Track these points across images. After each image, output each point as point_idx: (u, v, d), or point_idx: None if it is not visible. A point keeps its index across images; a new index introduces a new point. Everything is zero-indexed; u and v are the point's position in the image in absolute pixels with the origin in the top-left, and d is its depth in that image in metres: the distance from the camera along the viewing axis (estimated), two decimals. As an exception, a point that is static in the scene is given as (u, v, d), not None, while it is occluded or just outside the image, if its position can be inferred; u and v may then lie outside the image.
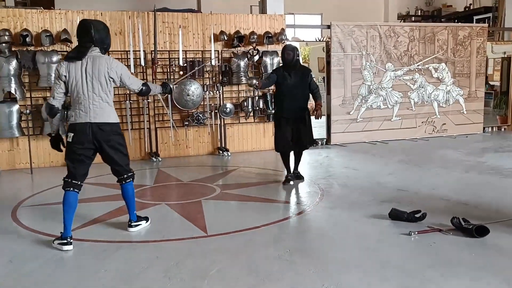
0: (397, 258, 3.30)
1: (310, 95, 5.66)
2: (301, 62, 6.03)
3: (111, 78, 3.71)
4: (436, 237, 3.67)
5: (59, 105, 3.74)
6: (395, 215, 4.13)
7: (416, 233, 3.72)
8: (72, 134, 3.68)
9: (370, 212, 4.42)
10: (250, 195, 5.20)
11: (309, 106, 5.80)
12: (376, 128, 9.07)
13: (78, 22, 3.86)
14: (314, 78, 5.72)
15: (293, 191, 5.45)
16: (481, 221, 3.84)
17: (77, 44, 3.80)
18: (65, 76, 3.66)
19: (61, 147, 3.90)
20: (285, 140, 5.58)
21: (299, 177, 5.82)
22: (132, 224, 4.06)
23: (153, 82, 7.48)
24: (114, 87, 3.86)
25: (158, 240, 3.79)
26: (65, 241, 3.62)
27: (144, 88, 3.96)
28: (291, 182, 5.67)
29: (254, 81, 5.47)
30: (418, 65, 9.32)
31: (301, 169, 5.96)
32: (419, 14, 14.28)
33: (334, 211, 4.53)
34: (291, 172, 5.79)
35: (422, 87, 9.36)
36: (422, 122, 9.43)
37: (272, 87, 6.22)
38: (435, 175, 6.09)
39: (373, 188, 5.40)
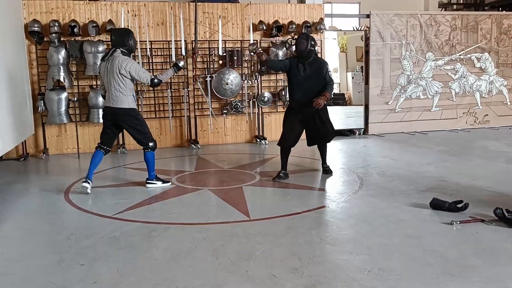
0: (439, 246, 3.32)
1: None
2: (316, 53, 5.42)
3: (122, 74, 4.71)
4: (479, 227, 3.66)
5: (103, 93, 5.04)
6: (436, 205, 4.12)
7: (458, 222, 3.72)
8: (103, 113, 5.15)
9: (410, 201, 4.43)
10: (289, 182, 5.29)
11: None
12: (415, 118, 8.98)
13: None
14: (330, 72, 5.47)
15: (332, 179, 5.50)
16: (526, 212, 3.80)
17: None
18: (99, 73, 5.01)
19: None
20: (291, 135, 5.33)
21: (327, 172, 5.57)
22: (148, 181, 5.11)
23: (193, 71, 7.68)
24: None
25: (203, 223, 3.95)
26: (86, 180, 4.88)
27: (155, 80, 4.91)
28: (282, 180, 5.30)
29: (260, 49, 5.29)
30: (460, 55, 9.12)
31: (338, 158, 5.97)
32: (461, 2, 13.83)
33: (374, 199, 4.57)
34: (286, 169, 5.42)
35: (464, 77, 9.17)
36: (463, 113, 9.26)
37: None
38: (476, 166, 6.01)
39: (412, 177, 5.38)
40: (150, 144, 5.01)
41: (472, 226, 3.68)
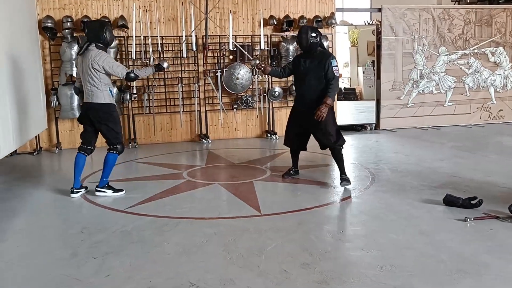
0: (452, 243, 3.28)
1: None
2: (323, 46, 4.96)
3: (94, 68, 4.45)
4: (493, 224, 3.61)
5: (79, 86, 4.79)
6: (450, 201, 4.08)
7: (472, 219, 3.67)
8: (81, 110, 4.91)
9: (423, 197, 4.39)
10: (300, 177, 5.27)
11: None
12: (427, 113, 8.89)
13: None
14: (335, 67, 4.72)
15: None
16: (541, 209, 3.74)
17: None
18: (76, 67, 4.81)
19: None
20: (291, 135, 5.06)
21: (343, 180, 4.82)
22: (97, 188, 4.68)
23: (203, 66, 7.68)
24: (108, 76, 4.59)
25: (214, 218, 3.96)
26: (72, 189, 4.67)
27: (132, 75, 4.60)
28: (290, 176, 5.17)
29: (257, 61, 4.99)
30: (473, 49, 8.99)
31: (350, 153, 5.78)
32: (475, -5, 13.61)
33: (386, 195, 4.53)
34: (297, 167, 5.25)
35: (478, 71, 9.05)
36: (477, 108, 9.15)
37: None
38: (490, 162, 5.93)
39: (424, 173, 5.33)
40: (119, 146, 4.65)
41: (486, 223, 3.63)
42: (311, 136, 5.03)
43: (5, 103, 4.65)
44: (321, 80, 4.73)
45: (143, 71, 4.91)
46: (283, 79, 8.14)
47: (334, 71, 4.70)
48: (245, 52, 6.48)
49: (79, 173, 4.69)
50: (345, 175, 4.86)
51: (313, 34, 4.72)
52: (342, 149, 4.95)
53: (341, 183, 4.81)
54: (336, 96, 4.78)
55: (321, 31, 8.01)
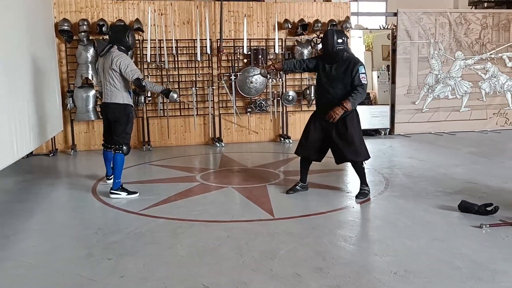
0: (468, 249, 3.24)
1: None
2: (350, 51, 4.57)
3: (113, 68, 4.59)
4: (509, 231, 3.56)
5: (100, 90, 5.10)
6: (465, 207, 4.03)
7: (488, 226, 3.62)
8: (100, 111, 5.32)
9: (438, 203, 4.35)
10: (314, 182, 5.25)
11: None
12: (443, 118, 8.80)
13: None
14: (363, 74, 4.37)
15: (357, 180, 5.43)
16: (560, 216, 3.68)
17: None
18: (97, 69, 4.97)
19: None
20: (307, 143, 4.64)
21: (360, 194, 4.62)
22: (111, 191, 4.72)
23: (218, 69, 7.72)
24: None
25: (228, 221, 3.97)
26: (107, 177, 5.26)
27: (143, 83, 4.67)
28: (296, 192, 4.76)
29: (263, 71, 4.83)
30: (490, 54, 8.88)
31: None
32: (493, -1, 13.44)
33: (400, 200, 4.50)
34: (305, 181, 4.83)
35: (495, 77, 8.94)
36: (493, 114, 9.03)
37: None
38: (507, 168, 5.84)
39: (440, 179, 5.27)
40: (124, 147, 4.70)
41: (502, 230, 3.58)
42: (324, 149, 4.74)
43: (24, 105, 4.73)
44: (348, 87, 4.40)
45: (151, 84, 5.04)
46: (297, 83, 8.14)
47: (361, 78, 4.35)
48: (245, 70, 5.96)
49: (109, 164, 5.10)
50: (366, 186, 4.65)
51: (339, 40, 4.34)
52: (365, 163, 4.73)
53: (357, 194, 4.62)
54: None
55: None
